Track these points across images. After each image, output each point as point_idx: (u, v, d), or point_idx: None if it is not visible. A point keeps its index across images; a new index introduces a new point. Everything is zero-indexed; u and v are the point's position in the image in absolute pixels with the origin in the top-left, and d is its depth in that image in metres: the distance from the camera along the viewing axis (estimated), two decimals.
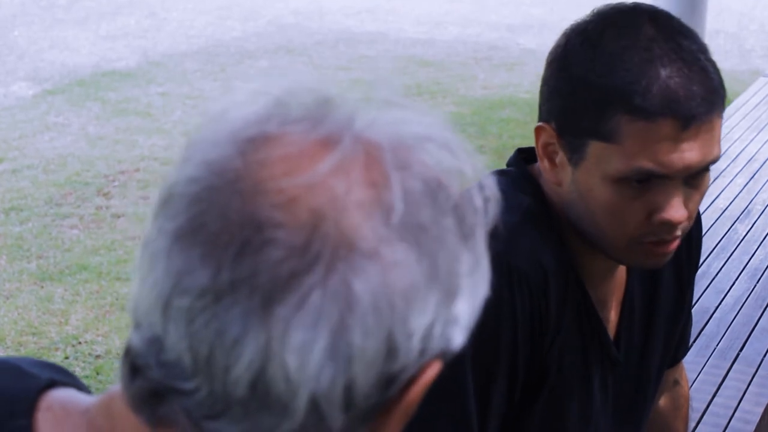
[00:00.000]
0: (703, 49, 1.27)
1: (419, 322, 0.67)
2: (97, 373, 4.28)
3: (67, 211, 6.01)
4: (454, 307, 0.69)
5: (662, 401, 1.74)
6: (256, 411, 0.67)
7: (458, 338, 0.71)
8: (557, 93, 1.31)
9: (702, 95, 1.23)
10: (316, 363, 0.65)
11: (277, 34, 11.42)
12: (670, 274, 1.53)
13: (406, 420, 0.71)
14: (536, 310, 1.32)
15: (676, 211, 1.27)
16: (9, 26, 11.45)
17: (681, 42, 1.26)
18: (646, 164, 1.24)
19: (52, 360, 4.33)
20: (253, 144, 0.68)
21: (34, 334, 4.61)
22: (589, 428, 1.46)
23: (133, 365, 0.71)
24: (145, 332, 0.70)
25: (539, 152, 1.34)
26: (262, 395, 0.66)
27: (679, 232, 1.30)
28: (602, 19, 1.30)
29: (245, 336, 0.65)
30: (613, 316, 1.47)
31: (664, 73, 1.23)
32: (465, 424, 1.31)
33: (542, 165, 1.34)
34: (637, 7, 1.31)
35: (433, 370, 0.70)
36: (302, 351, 0.65)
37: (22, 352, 4.44)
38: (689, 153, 1.24)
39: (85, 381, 4.15)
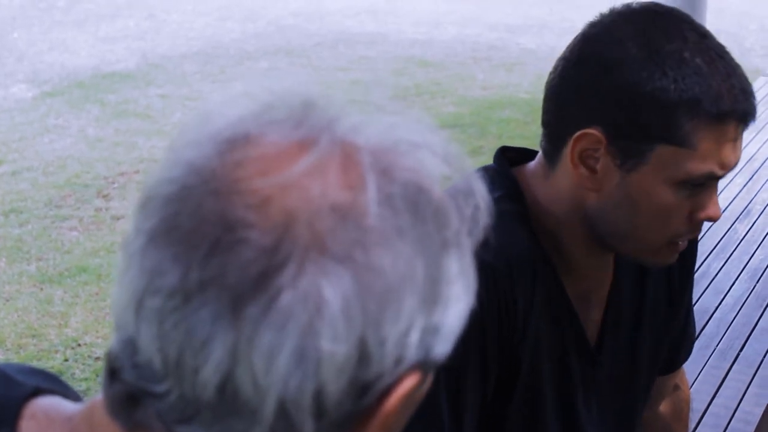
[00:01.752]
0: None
1: (393, 328, 0.65)
2: (97, 376, 4.27)
3: (67, 213, 6.01)
4: (434, 315, 0.68)
5: (663, 406, 1.73)
6: (225, 415, 0.66)
7: (440, 348, 0.69)
8: (606, 98, 1.28)
9: (750, 93, 1.28)
10: (283, 366, 0.64)
11: (277, 36, 11.42)
12: (660, 275, 1.53)
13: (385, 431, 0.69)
14: (503, 303, 1.31)
15: (718, 208, 1.33)
16: (8, 28, 11.45)
17: (715, 43, 1.29)
18: (714, 167, 1.28)
19: (51, 362, 4.33)
20: (232, 144, 0.68)
21: (33, 336, 4.60)
22: (572, 428, 1.44)
23: (111, 369, 0.71)
24: (121, 334, 0.70)
25: (573, 160, 1.31)
26: (231, 399, 0.65)
27: None
28: (638, 20, 1.29)
29: (213, 337, 0.64)
30: (596, 315, 1.46)
31: (724, 75, 1.26)
32: (437, 423, 1.30)
33: (576, 172, 1.31)
34: (664, 9, 1.32)
35: (412, 381, 0.68)
36: (270, 354, 0.63)
37: (22, 355, 4.43)
38: (739, 152, 1.31)
39: (84, 383, 4.17)
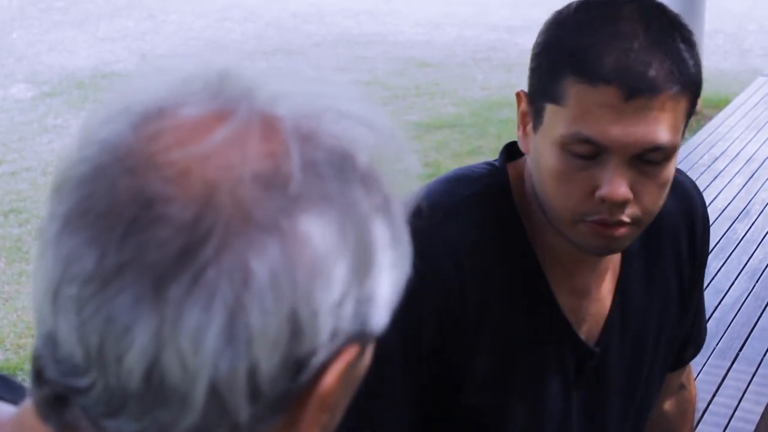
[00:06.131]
0: (684, 37, 1.24)
1: (325, 298, 0.62)
2: None
3: None
4: (368, 283, 0.65)
5: (667, 405, 1.70)
6: (153, 405, 0.62)
7: (378, 320, 0.66)
8: (530, 59, 1.31)
9: (655, 74, 1.20)
10: (212, 347, 0.60)
11: (276, 36, 11.42)
12: (670, 271, 1.51)
13: (325, 411, 0.66)
14: (447, 293, 1.30)
15: (614, 188, 1.22)
16: (7, 29, 11.45)
17: (656, 23, 1.23)
18: (585, 130, 1.22)
19: None
20: (146, 118, 0.64)
21: (33, 336, 4.58)
22: (541, 416, 1.41)
23: (37, 369, 0.66)
24: (41, 329, 0.65)
25: (518, 120, 1.34)
26: (158, 386, 0.61)
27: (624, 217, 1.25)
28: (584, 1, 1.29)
29: (136, 322, 0.60)
30: (599, 309, 1.43)
31: (624, 44, 1.20)
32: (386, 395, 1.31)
33: (519, 133, 1.34)
34: None
35: (349, 355, 0.65)
36: (197, 334, 0.60)
37: (21, 355, 4.43)
38: (635, 128, 1.21)
39: None
